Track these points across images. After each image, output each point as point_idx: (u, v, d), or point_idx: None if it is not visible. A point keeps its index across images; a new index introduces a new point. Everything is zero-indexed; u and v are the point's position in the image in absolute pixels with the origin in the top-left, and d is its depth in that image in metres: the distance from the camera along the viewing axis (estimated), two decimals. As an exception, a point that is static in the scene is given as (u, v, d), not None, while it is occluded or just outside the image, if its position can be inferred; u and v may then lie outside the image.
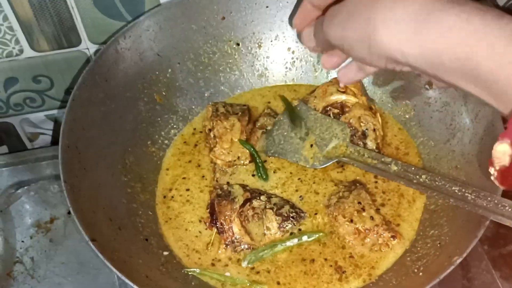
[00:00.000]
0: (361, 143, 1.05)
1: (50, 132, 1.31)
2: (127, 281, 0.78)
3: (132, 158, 1.05)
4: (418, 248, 0.93)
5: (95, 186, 0.94)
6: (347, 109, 1.08)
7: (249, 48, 1.18)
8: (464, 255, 0.79)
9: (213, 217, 0.98)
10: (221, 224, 0.97)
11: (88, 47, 1.17)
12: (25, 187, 1.19)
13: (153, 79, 1.11)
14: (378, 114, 1.09)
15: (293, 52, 1.19)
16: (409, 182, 0.93)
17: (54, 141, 1.34)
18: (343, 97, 1.09)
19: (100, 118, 1.01)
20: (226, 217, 0.97)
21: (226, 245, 0.97)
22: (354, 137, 1.05)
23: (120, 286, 1.04)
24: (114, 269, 0.79)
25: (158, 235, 0.99)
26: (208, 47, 1.16)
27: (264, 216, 0.97)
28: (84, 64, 1.19)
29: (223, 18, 1.14)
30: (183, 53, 1.14)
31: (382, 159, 0.98)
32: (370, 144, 1.05)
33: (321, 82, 1.17)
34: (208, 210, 1.01)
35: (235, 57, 1.18)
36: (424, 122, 1.08)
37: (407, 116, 1.11)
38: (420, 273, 0.86)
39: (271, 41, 1.18)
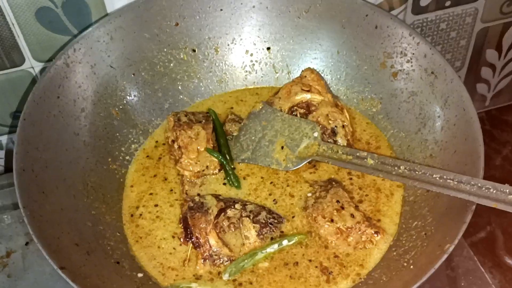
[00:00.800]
0: (332, 141, 1.02)
1: (-1, 161, 1.23)
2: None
3: (93, 178, 0.98)
4: (404, 242, 0.91)
5: (57, 210, 0.87)
6: (313, 108, 1.06)
7: (206, 53, 1.14)
8: (456, 241, 0.77)
9: (187, 231, 0.93)
10: (197, 238, 0.91)
11: (32, 65, 1.10)
12: (-25, 221, 1.10)
13: (108, 93, 1.05)
14: (345, 110, 1.07)
15: (251, 55, 1.15)
16: (388, 174, 0.91)
17: (4, 170, 1.26)
18: (308, 96, 1.06)
19: (55, 137, 0.94)
20: (201, 230, 0.92)
21: (204, 259, 0.91)
22: (324, 135, 1.02)
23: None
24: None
25: (129, 257, 0.93)
26: (163, 55, 1.11)
27: (241, 225, 0.92)
28: (30, 84, 1.12)
29: (177, 24, 1.09)
30: (137, 64, 1.08)
31: (357, 154, 0.95)
32: (341, 141, 1.03)
33: (282, 83, 1.14)
34: (181, 225, 0.95)
35: (192, 64, 1.13)
36: (392, 114, 1.07)
37: (374, 110, 1.10)
38: (411, 266, 0.83)
39: (228, 45, 1.14)
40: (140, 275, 0.90)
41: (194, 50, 1.13)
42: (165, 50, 1.10)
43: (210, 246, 0.91)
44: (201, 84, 1.15)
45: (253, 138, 1.04)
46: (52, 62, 0.97)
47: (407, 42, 1.02)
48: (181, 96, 1.14)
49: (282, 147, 1.01)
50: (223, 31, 1.13)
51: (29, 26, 1.05)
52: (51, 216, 0.84)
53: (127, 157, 1.07)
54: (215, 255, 0.91)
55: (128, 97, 1.08)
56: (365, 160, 0.94)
